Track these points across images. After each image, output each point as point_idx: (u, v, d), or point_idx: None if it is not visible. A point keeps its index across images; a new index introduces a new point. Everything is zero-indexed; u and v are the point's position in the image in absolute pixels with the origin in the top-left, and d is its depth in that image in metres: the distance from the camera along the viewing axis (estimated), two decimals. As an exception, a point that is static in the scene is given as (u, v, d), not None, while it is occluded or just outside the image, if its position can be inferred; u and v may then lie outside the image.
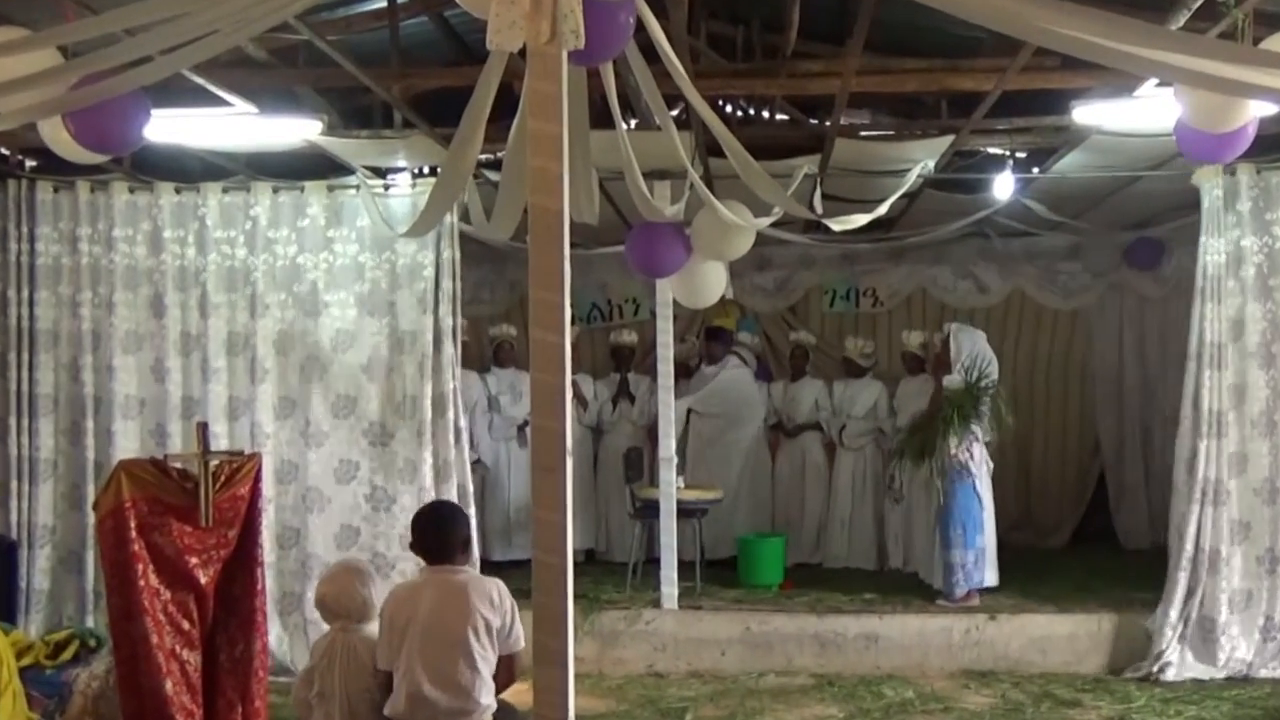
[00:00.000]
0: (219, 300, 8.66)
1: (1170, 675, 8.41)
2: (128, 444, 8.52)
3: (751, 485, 11.40)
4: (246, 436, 8.52)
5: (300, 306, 8.61)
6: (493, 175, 8.28)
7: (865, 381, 11.36)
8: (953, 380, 9.60)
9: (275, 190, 8.68)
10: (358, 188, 8.64)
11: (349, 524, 8.50)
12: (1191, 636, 8.53)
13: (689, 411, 11.30)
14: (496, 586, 5.05)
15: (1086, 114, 7.22)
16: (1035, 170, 9.24)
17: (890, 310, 12.50)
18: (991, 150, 9.48)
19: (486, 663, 4.97)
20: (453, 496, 8.44)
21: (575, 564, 3.82)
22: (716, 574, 10.36)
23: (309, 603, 8.04)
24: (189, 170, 8.78)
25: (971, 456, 9.49)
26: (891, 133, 9.39)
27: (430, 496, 8.40)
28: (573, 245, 3.62)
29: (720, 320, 12.12)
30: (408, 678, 4.96)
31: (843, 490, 11.32)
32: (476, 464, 10.92)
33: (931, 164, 8.56)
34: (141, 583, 5.75)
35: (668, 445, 9.36)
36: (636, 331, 11.95)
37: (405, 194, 8.70)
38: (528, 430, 10.95)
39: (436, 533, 5.15)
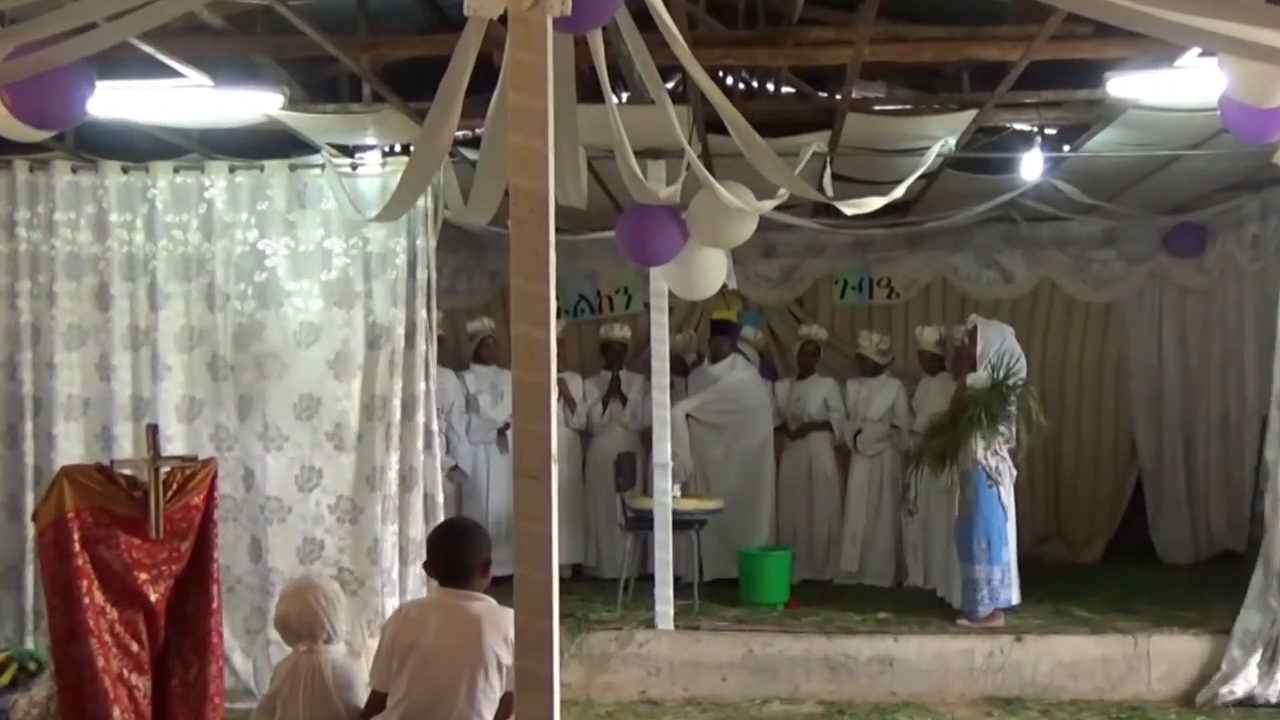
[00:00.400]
0: (171, 290, 8.65)
1: (1238, 695, 8.46)
2: (70, 448, 8.50)
3: (754, 493, 11.43)
4: (201, 440, 8.51)
5: (260, 297, 8.60)
6: (470, 154, 8.28)
7: (881, 380, 11.39)
8: (978, 378, 9.61)
9: (232, 170, 8.66)
10: (323, 167, 8.62)
11: (311, 536, 8.50)
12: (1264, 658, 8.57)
13: (686, 415, 11.33)
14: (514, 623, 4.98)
15: (1122, 87, 7.23)
16: (1066, 149, 9.26)
17: (907, 302, 12.52)
18: (1018, 127, 9.49)
19: (489, 703, 4.90)
20: (418, 507, 8.44)
21: (561, 580, 3.83)
22: (716, 591, 10.38)
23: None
24: (137, 148, 8.77)
25: (999, 462, 9.50)
26: (908, 107, 9.41)
27: (395, 506, 8.40)
28: (558, 231, 3.62)
29: (721, 313, 12.13)
30: (402, 706, 4.95)
31: (857, 499, 11.35)
32: (454, 471, 10.95)
33: (952, 142, 8.58)
34: (86, 600, 5.76)
35: (663, 450, 9.38)
36: (628, 325, 11.97)
37: (375, 174, 8.68)
38: (509, 434, 10.95)
39: (451, 552, 5.12)
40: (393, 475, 8.47)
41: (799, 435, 11.58)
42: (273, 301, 8.58)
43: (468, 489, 11.28)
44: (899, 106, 9.51)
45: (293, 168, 8.65)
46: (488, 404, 11.35)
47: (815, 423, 11.50)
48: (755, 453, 11.52)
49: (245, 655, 8.48)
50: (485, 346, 11.53)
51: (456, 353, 11.85)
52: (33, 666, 7.25)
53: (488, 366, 11.47)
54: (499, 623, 4.89)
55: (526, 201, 3.49)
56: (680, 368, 11.46)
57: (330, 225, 8.61)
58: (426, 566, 5.22)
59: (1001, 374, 9.53)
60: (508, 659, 4.83)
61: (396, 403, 8.47)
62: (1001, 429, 9.48)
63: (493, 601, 5.00)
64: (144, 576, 5.91)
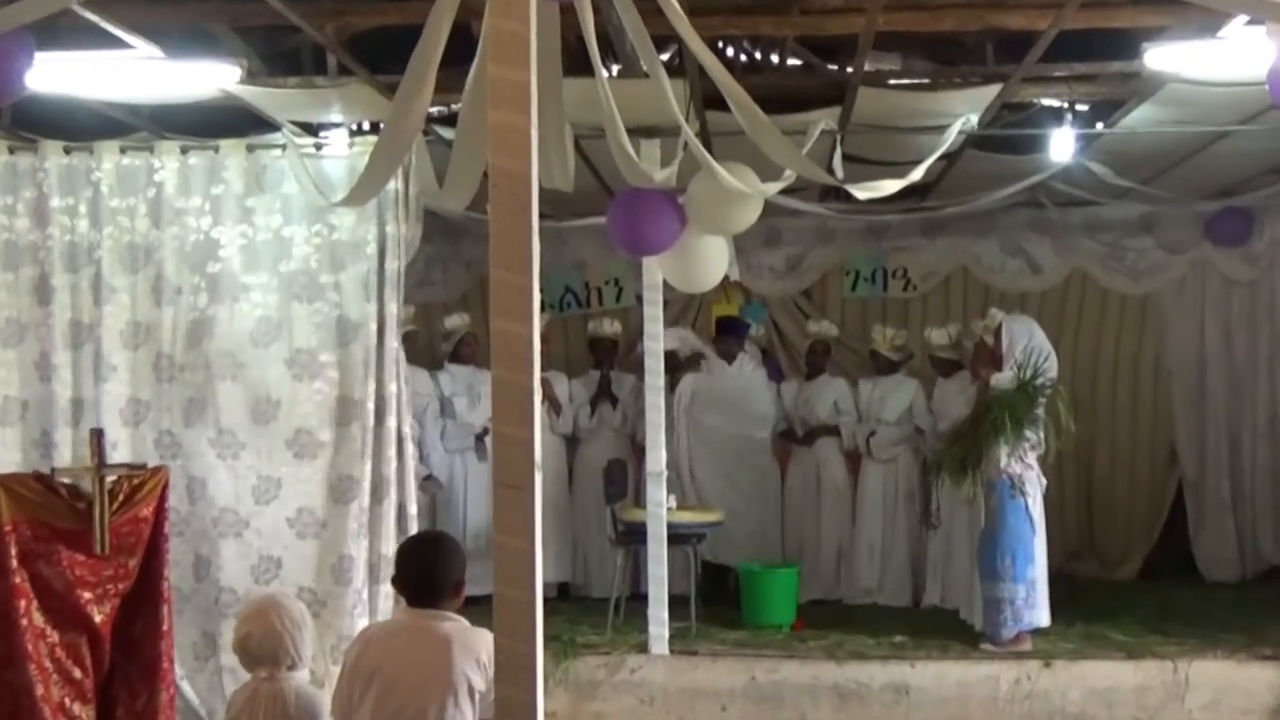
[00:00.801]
0: (117, 283, 8.62)
1: None
2: (7, 455, 8.47)
3: (757, 504, 11.44)
4: (146, 446, 8.48)
5: (213, 290, 8.57)
6: (446, 132, 8.28)
7: (897, 379, 11.42)
8: (1003, 378, 9.61)
9: (184, 151, 8.64)
10: (284, 148, 8.61)
11: (268, 553, 8.48)
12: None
13: (683, 412, 11.35)
14: (486, 645, 4.93)
15: (1161, 58, 7.24)
16: (1099, 126, 9.27)
17: (925, 295, 12.55)
18: (1046, 103, 9.52)
19: None
20: (390, 519, 8.43)
21: (546, 600, 3.83)
22: (715, 612, 10.40)
23: (227, 646, 8.03)
24: (81, 127, 8.76)
25: (1025, 470, 9.51)
26: (926, 81, 9.42)
27: (366, 519, 8.40)
28: (542, 217, 3.63)
29: (721, 307, 12.15)
30: None
31: (870, 510, 11.38)
32: (428, 480, 10.95)
33: (974, 119, 8.59)
34: (24, 622, 5.76)
35: (656, 457, 9.38)
36: (620, 320, 11.99)
37: (341, 155, 8.65)
38: (488, 440, 10.92)
39: (421, 568, 5.11)
40: (365, 486, 8.45)
41: (807, 441, 11.60)
42: (226, 295, 8.56)
43: (442, 500, 11.29)
44: (916, 80, 9.53)
45: (250, 148, 8.61)
46: (464, 407, 11.36)
47: (824, 427, 11.53)
48: (758, 460, 11.53)
49: (191, 682, 8.47)
50: (462, 344, 11.54)
51: (430, 351, 11.85)
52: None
53: (464, 366, 11.49)
54: (470, 644, 4.88)
55: (507, 184, 3.49)
56: (673, 369, 11.48)
57: (291, 212, 8.58)
58: (394, 582, 5.22)
59: (1028, 373, 9.54)
60: (480, 684, 4.84)
61: (370, 406, 8.46)
62: (1028, 434, 9.48)
63: (464, 621, 5.00)
64: (87, 596, 5.91)
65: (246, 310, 8.55)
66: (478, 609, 4.68)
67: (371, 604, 8.43)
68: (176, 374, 8.58)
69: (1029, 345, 9.72)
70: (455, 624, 5.00)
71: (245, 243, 8.56)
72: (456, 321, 11.64)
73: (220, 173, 8.58)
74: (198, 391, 8.54)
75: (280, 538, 8.46)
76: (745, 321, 12.08)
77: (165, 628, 6.14)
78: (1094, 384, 12.34)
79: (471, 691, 4.87)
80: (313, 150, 8.66)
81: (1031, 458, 9.58)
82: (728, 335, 11.77)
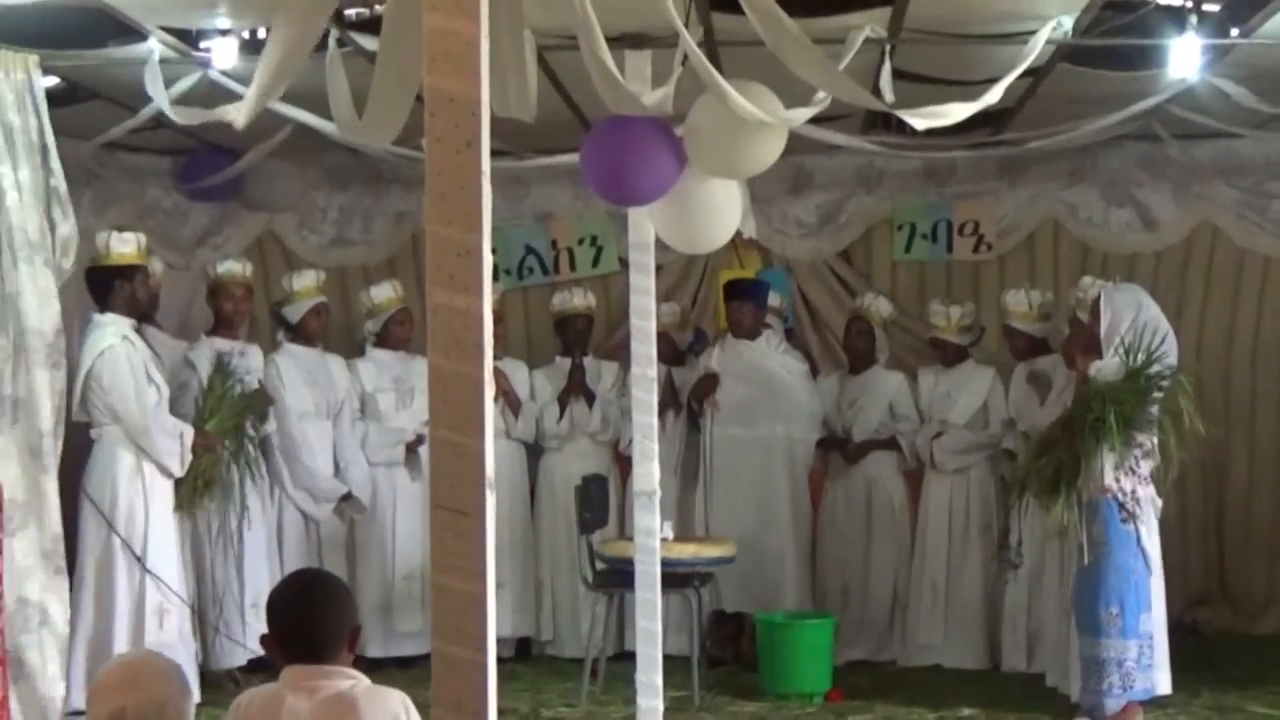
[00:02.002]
0: None
1: None
2: None
3: (782, 533, 11.48)
4: None
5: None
6: (367, 41, 8.28)
7: (969, 369, 11.44)
8: (1105, 367, 9.60)
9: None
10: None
11: None
12: None
13: (689, 409, 11.40)
14: (404, 704, 4.94)
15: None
16: (1234, 33, 9.27)
17: (1002, 257, 12.55)
18: (1163, 1, 9.52)
19: None
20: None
21: (501, 661, 3.85)
22: (725, 677, 10.49)
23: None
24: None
25: (1136, 487, 9.50)
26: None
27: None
28: (495, 154, 3.64)
29: (732, 275, 12.14)
30: None
31: (933, 541, 11.39)
32: (345, 501, 10.96)
33: (1069, 23, 8.59)
34: None
35: (647, 472, 9.33)
36: (597, 292, 12.02)
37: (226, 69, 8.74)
38: (423, 450, 10.97)
39: (302, 614, 5.11)
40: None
41: (855, 455, 11.61)
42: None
43: (364, 530, 11.31)
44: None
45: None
46: (391, 406, 11.37)
47: (877, 439, 11.56)
48: (789, 475, 11.56)
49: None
50: (390, 324, 11.52)
51: (347, 332, 11.85)
52: None
53: (392, 353, 11.50)
54: (383, 707, 4.86)
55: (449, 112, 3.50)
56: (672, 355, 11.51)
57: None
58: (266, 641, 5.19)
59: (1139, 360, 9.53)
60: None
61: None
62: (1140, 440, 9.48)
63: (365, 680, 4.98)
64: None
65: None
66: (409, 673, 4.69)
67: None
68: None
69: (1137, 322, 9.66)
70: (359, 684, 4.96)
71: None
72: (382, 294, 11.61)
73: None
74: None
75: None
76: (763, 281, 12.06)
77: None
78: (1227, 373, 12.33)
79: None
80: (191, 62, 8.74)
81: (1145, 471, 9.56)
82: (741, 301, 11.68)
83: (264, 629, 5.15)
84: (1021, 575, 10.77)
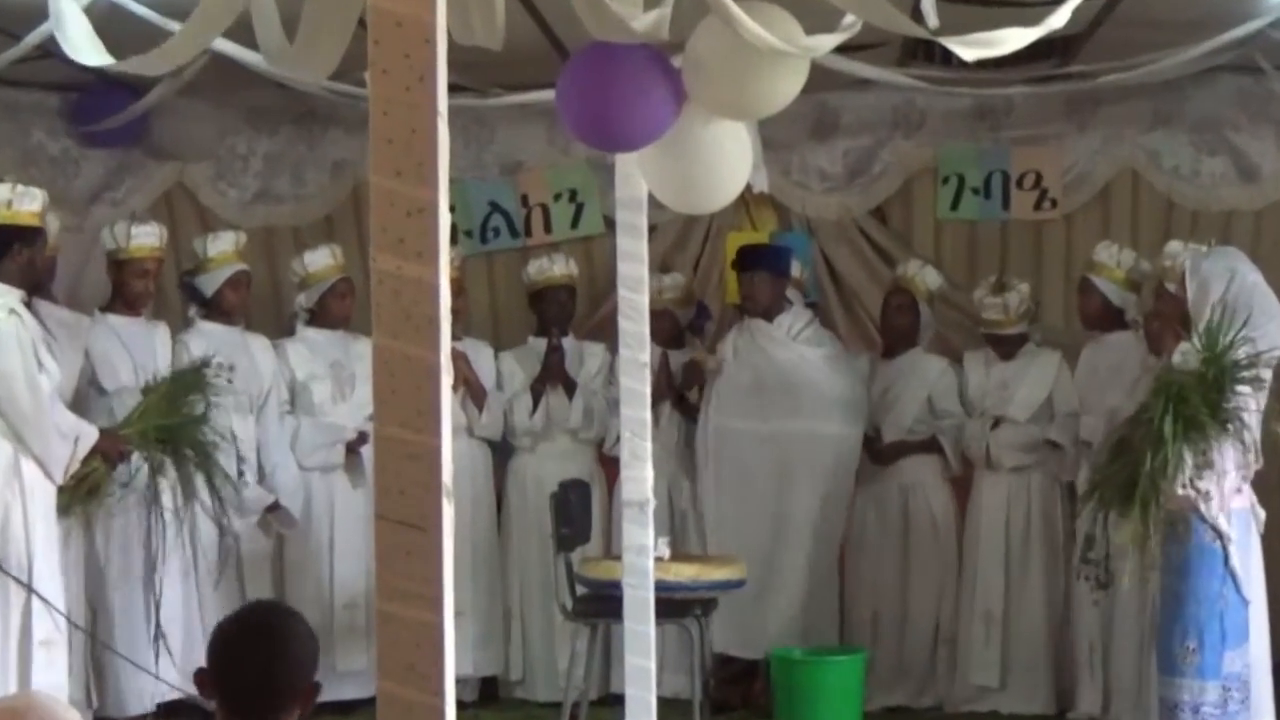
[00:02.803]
0: None
1: None
2: None
3: (801, 554, 11.50)
4: None
5: None
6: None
7: (1029, 353, 11.45)
8: (1191, 352, 9.58)
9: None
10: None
11: None
12: None
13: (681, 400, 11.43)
14: None
15: None
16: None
17: (1069, 215, 12.54)
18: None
19: None
20: None
21: (462, 706, 3.85)
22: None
23: None
24: None
25: (1228, 497, 9.49)
26: None
27: None
28: (454, 90, 3.63)
29: (744, 236, 12.16)
30: None
31: (986, 558, 11.41)
32: (273, 511, 10.95)
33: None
34: None
35: (639, 478, 9.32)
36: (578, 258, 12.04)
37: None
38: (366, 450, 10.98)
39: (250, 664, 5.10)
40: None
41: (886, 457, 11.65)
42: None
43: (295, 546, 11.34)
44: None
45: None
46: (327, 397, 11.38)
47: (914, 439, 11.59)
48: (812, 484, 11.59)
49: None
50: (328, 296, 11.52)
51: (275, 308, 11.85)
52: None
53: (329, 332, 11.53)
54: None
55: (397, 38, 3.49)
56: (673, 337, 11.56)
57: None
58: (199, 679, 5.19)
59: (1232, 340, 9.50)
60: None
61: None
62: (1244, 436, 9.45)
63: None
64: None
65: None
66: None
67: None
68: None
69: (1230, 294, 9.61)
70: None
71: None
72: (318, 260, 11.59)
73: None
74: None
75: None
76: (784, 247, 12.06)
77: None
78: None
79: None
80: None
81: (1235, 477, 9.55)
82: (756, 271, 11.67)
83: (176, 664, 5.16)
84: (1105, 602, 10.72)
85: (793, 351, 11.57)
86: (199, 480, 10.11)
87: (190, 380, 10.28)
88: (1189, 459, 9.28)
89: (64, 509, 9.70)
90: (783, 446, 11.49)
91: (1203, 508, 9.35)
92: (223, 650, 5.14)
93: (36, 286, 10.01)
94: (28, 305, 9.72)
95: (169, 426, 9.99)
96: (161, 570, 10.15)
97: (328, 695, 10.78)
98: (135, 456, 9.93)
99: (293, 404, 11.39)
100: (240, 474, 10.58)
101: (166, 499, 10.13)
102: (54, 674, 9.24)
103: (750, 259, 11.75)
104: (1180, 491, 9.28)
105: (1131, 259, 11.00)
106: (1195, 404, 9.24)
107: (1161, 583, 9.50)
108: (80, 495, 9.77)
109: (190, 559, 10.62)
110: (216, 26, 7.37)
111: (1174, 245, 10.25)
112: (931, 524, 11.56)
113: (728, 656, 11.32)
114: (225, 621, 5.26)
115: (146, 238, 10.84)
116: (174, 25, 8.01)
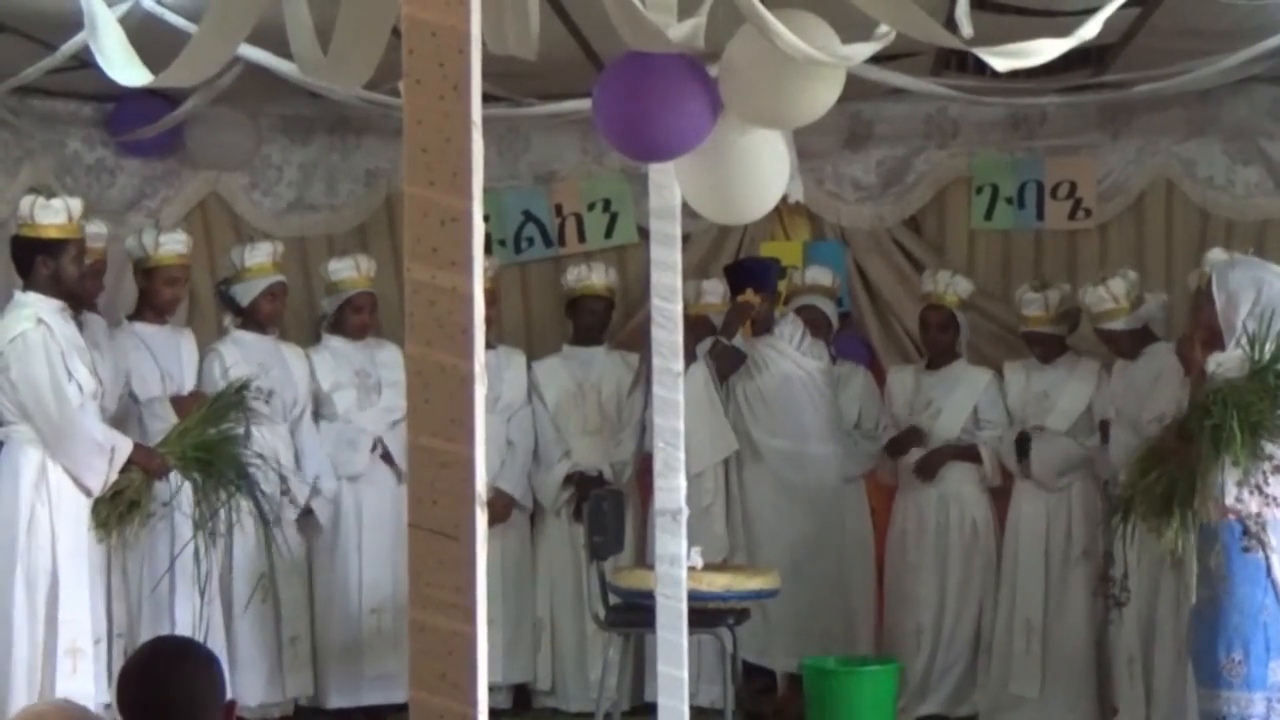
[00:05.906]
0: None
1: None
2: None
3: (830, 563, 11.49)
4: None
5: None
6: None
7: (1069, 363, 11.42)
8: (1226, 362, 9.56)
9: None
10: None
11: None
12: None
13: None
14: None
15: None
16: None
17: (1104, 226, 12.52)
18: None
19: None
20: None
21: (495, 713, 3.86)
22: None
23: None
24: None
25: (1268, 508, 9.45)
26: None
27: None
28: (489, 100, 3.64)
29: (777, 246, 12.17)
30: None
31: (1027, 568, 11.36)
32: (306, 517, 10.94)
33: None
34: None
35: (671, 486, 9.32)
36: (612, 267, 12.05)
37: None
38: (397, 459, 10.99)
39: (160, 688, 5.08)
40: None
41: (926, 469, 11.62)
42: None
43: (322, 553, 11.34)
44: None
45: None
46: (352, 405, 11.37)
47: (953, 447, 11.58)
48: (838, 495, 11.57)
49: None
50: (347, 307, 11.54)
51: (307, 317, 11.85)
52: None
53: (357, 341, 11.53)
54: None
55: (432, 48, 3.51)
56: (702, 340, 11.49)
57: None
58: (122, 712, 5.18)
59: (1267, 350, 9.49)
60: None
61: None
62: (1270, 450, 9.44)
63: None
64: None
65: None
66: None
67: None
68: None
69: (1263, 304, 9.59)
70: None
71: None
72: (343, 270, 11.57)
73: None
74: None
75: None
76: (770, 261, 12.07)
77: None
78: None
79: None
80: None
81: (1276, 487, 9.53)
82: (747, 286, 11.62)
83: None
84: (1130, 613, 10.70)
85: (787, 364, 11.63)
86: (241, 499, 10.13)
87: (230, 402, 10.30)
88: (1236, 470, 9.28)
89: (102, 522, 9.72)
90: (793, 462, 11.59)
91: (1247, 518, 9.31)
92: (128, 680, 5.13)
93: (74, 296, 9.95)
94: (75, 319, 9.72)
95: (208, 444, 10.00)
96: (208, 587, 10.19)
97: (355, 701, 10.99)
98: (174, 475, 9.95)
99: (318, 411, 11.39)
100: (284, 491, 10.61)
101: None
102: (79, 682, 9.27)
103: (742, 277, 11.76)
104: (1228, 501, 9.28)
105: (1123, 282, 10.86)
106: (1259, 410, 9.23)
107: (1199, 594, 9.46)
108: (118, 508, 9.79)
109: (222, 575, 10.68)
110: (235, 33, 7.38)
111: (1212, 254, 10.23)
112: (972, 533, 11.53)
113: (760, 667, 11.32)
114: (132, 656, 5.28)
115: (174, 245, 10.84)
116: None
